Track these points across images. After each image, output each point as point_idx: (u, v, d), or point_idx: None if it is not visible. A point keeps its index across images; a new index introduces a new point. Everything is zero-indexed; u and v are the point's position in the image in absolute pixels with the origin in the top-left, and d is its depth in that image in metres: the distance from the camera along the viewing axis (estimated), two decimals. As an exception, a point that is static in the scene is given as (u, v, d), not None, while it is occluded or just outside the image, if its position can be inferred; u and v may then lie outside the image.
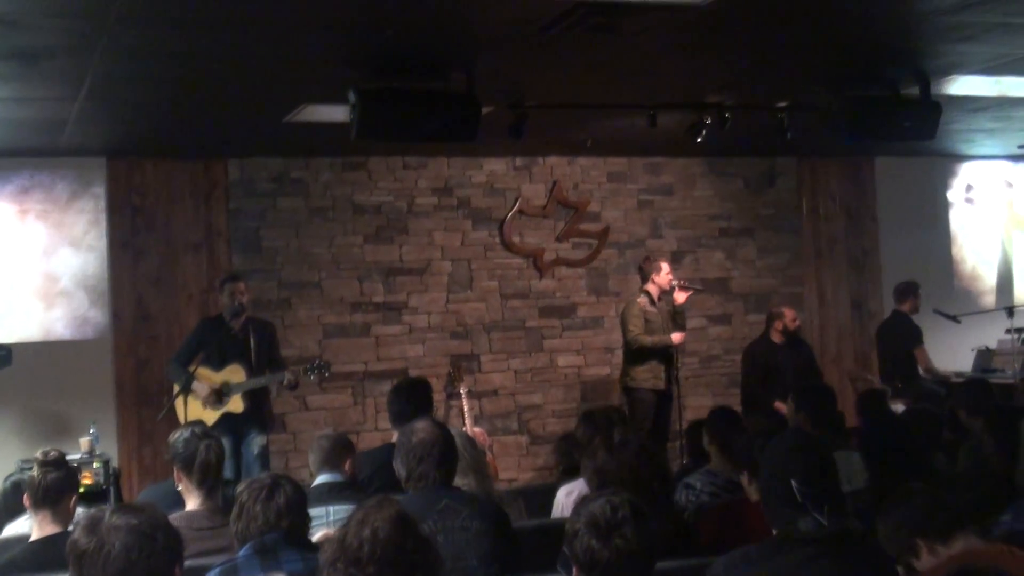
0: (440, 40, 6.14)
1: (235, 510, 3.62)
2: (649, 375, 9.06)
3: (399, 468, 4.20)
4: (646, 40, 6.17)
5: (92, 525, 2.83)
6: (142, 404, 9.04)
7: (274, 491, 3.62)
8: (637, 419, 8.75)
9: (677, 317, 9.16)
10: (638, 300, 9.19)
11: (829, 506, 3.13)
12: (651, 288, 9.19)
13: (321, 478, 5.07)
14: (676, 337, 9.05)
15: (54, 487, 4.33)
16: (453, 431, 4.41)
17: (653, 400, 9.09)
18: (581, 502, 3.11)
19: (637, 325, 9.04)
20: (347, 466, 5.14)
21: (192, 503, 4.41)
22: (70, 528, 4.23)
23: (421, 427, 4.21)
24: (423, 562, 2.84)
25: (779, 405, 8.88)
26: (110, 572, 2.77)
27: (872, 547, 3.24)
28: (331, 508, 4.73)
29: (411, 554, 2.82)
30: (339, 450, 5.13)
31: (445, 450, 4.16)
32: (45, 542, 4.26)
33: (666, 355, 9.12)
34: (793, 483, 3.15)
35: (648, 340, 8.99)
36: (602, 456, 4.21)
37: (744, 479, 4.54)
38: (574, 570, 3.02)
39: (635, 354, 9.12)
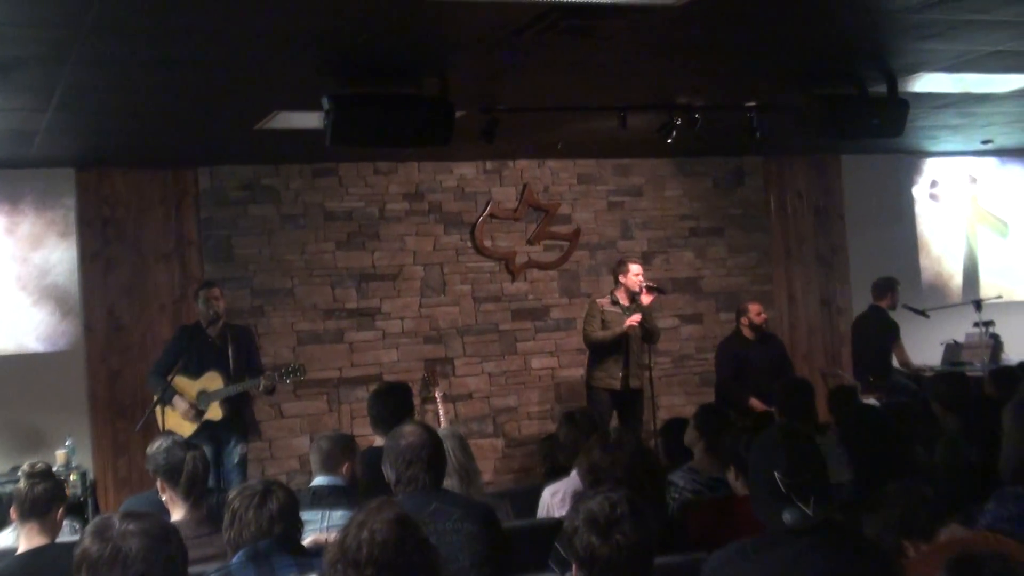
0: (413, 45, 6.13)
1: (227, 517, 3.62)
2: (604, 375, 9.04)
3: (388, 472, 4.20)
4: (619, 42, 6.19)
5: (101, 532, 2.84)
6: (116, 415, 8.99)
7: (266, 497, 3.62)
8: None
9: (645, 320, 9.06)
10: (599, 300, 9.22)
11: (815, 497, 3.15)
12: (619, 290, 9.19)
13: (318, 480, 5.05)
14: (628, 322, 8.89)
15: (42, 499, 4.31)
16: (446, 433, 4.42)
17: (609, 400, 9.05)
18: (578, 500, 3.13)
19: (590, 324, 9.08)
20: (346, 469, 5.12)
21: (178, 513, 4.39)
22: (57, 540, 4.22)
23: (409, 430, 4.22)
24: (423, 564, 2.85)
25: (754, 402, 8.94)
26: None
27: (866, 540, 3.27)
28: (328, 513, 4.72)
29: (410, 556, 2.83)
30: (337, 452, 5.10)
31: (434, 453, 4.17)
32: (33, 554, 4.23)
33: (624, 354, 9.03)
34: (776, 475, 3.17)
35: (599, 334, 8.99)
36: (597, 454, 4.23)
37: (731, 475, 4.58)
38: (573, 568, 3.04)
39: (592, 353, 9.16)
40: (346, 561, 2.79)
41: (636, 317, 8.89)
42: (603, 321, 9.05)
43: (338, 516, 4.84)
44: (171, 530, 2.90)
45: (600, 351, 9.07)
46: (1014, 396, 4.70)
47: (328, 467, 5.11)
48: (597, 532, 2.98)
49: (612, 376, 9.03)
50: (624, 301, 9.14)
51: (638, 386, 9.12)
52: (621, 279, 9.17)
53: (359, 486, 5.33)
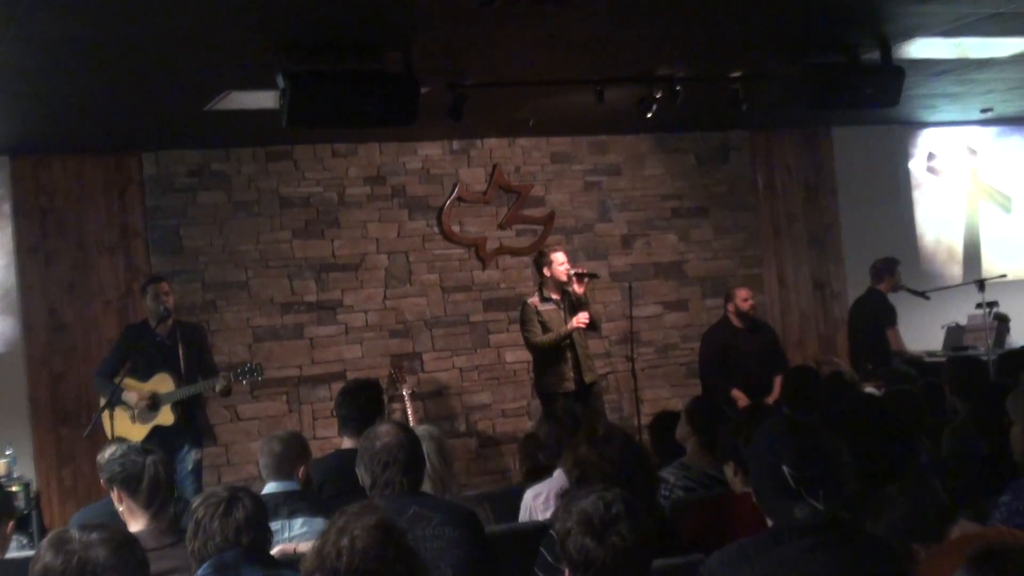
0: (375, 17, 6.15)
1: (191, 527, 3.63)
2: (556, 379, 8.88)
3: (363, 475, 4.22)
4: (595, 10, 6.23)
5: (60, 544, 2.87)
6: (60, 421, 8.97)
7: (232, 506, 3.63)
8: None
9: (580, 310, 8.88)
10: (530, 301, 9.06)
11: (824, 491, 3.19)
12: (548, 285, 9.05)
13: (272, 487, 5.01)
14: (574, 323, 8.79)
15: None
16: (423, 433, 4.45)
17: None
18: (570, 500, 3.16)
19: (530, 329, 8.93)
20: (301, 472, 5.11)
21: (137, 524, 4.36)
22: (7, 556, 4.21)
23: (385, 430, 4.24)
24: (406, 572, 2.87)
25: (736, 393, 8.99)
26: None
27: (875, 537, 3.31)
28: (287, 523, 4.72)
29: (393, 564, 2.84)
30: (293, 454, 5.08)
31: (411, 455, 4.19)
32: (-16, 570, 4.21)
33: (572, 351, 8.92)
34: (785, 469, 3.20)
35: (543, 338, 8.85)
36: (584, 449, 4.26)
37: (729, 470, 4.62)
38: (566, 573, 3.07)
39: (538, 359, 9.04)
40: (324, 570, 2.82)
41: (583, 316, 8.78)
42: (541, 323, 8.92)
43: (299, 525, 4.84)
44: (132, 538, 2.93)
45: (547, 355, 8.92)
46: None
47: (282, 471, 5.06)
48: (592, 533, 3.00)
49: (565, 379, 8.87)
50: (555, 295, 9.00)
51: (593, 379, 9.03)
52: (546, 272, 9.00)
53: (323, 493, 5.34)
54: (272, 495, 4.92)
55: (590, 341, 9.28)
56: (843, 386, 7.48)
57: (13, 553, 4.62)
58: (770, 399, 8.86)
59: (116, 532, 2.97)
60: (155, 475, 4.44)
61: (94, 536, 2.88)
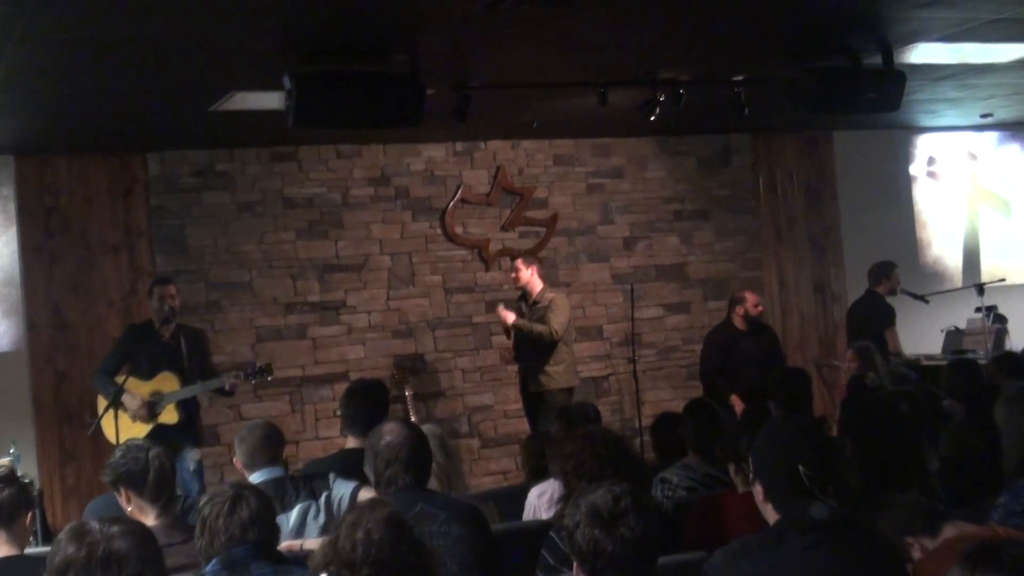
0: (381, 19, 6.17)
1: (198, 526, 3.65)
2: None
3: (369, 473, 4.26)
4: (598, 13, 6.25)
5: (80, 536, 2.90)
6: (63, 420, 8.99)
7: (237, 503, 3.64)
8: None
9: (534, 316, 9.09)
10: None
11: (834, 490, 3.24)
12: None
13: (259, 476, 4.98)
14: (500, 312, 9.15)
15: (9, 505, 4.21)
16: (428, 432, 4.47)
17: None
18: (576, 496, 3.19)
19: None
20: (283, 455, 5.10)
21: (147, 521, 4.37)
22: (27, 550, 4.22)
23: (389, 429, 4.27)
24: (419, 564, 2.93)
25: (735, 399, 8.99)
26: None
27: (873, 533, 3.35)
28: (285, 515, 4.72)
29: (406, 556, 2.91)
30: (276, 440, 5.07)
31: (414, 453, 4.21)
32: (3, 564, 4.20)
33: (522, 361, 9.20)
34: (801, 469, 3.25)
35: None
36: (570, 447, 4.30)
37: (731, 470, 4.65)
38: (575, 566, 3.11)
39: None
40: (340, 562, 2.86)
41: (507, 315, 9.04)
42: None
43: (295, 516, 4.84)
44: (149, 531, 2.98)
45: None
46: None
47: (268, 457, 5.03)
48: (601, 526, 3.04)
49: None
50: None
51: (537, 390, 9.12)
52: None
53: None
54: (265, 484, 4.85)
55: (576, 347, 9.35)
56: (862, 388, 7.52)
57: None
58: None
59: (135, 524, 3.02)
60: (160, 468, 4.46)
61: (115, 528, 2.92)
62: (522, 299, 9.26)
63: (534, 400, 9.17)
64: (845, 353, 8.54)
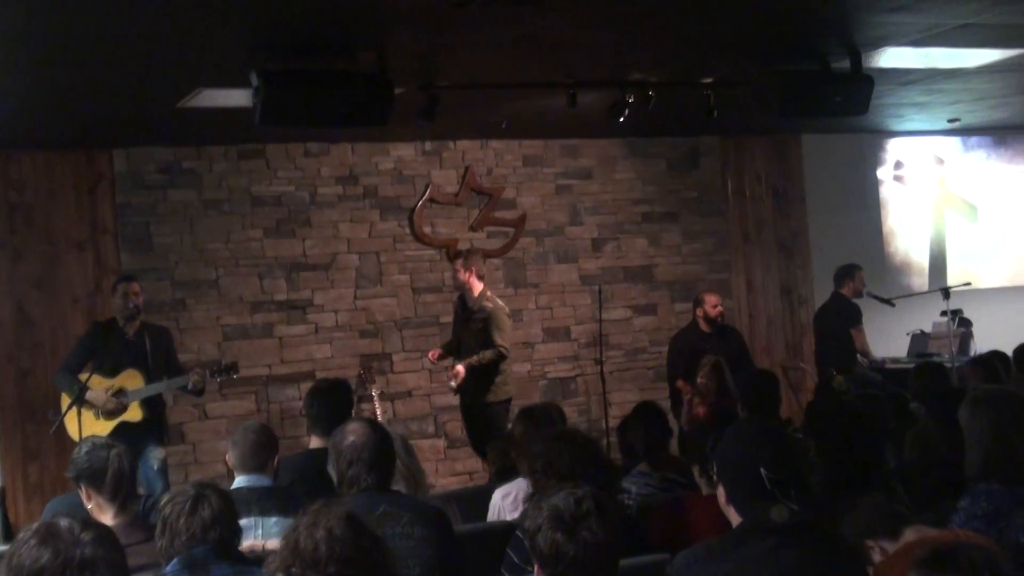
0: (349, 17, 6.16)
1: (159, 525, 3.63)
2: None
3: (332, 472, 4.24)
4: (568, 14, 6.26)
5: (48, 538, 2.88)
6: (26, 418, 8.91)
7: (198, 503, 3.62)
8: None
9: (470, 325, 8.91)
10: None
11: (795, 493, 3.24)
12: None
13: (244, 480, 4.93)
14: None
15: None
16: (392, 433, 4.45)
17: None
18: (538, 498, 3.18)
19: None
20: (275, 463, 5.05)
21: (105, 520, 4.36)
22: None
23: (352, 429, 4.26)
24: (381, 560, 2.93)
25: (681, 383, 8.98)
26: None
27: (834, 536, 3.36)
28: (260, 520, 4.69)
29: (369, 551, 2.90)
30: (268, 448, 5.02)
31: (378, 453, 4.20)
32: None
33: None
34: (763, 471, 3.25)
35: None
36: (539, 447, 4.29)
37: (696, 471, 4.66)
38: (535, 569, 3.10)
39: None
40: (303, 563, 2.85)
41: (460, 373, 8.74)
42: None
43: (272, 523, 4.80)
44: (112, 532, 2.95)
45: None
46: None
47: (255, 464, 4.94)
48: (563, 529, 3.03)
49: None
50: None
51: (470, 403, 8.98)
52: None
53: (295, 490, 5.31)
54: (243, 490, 4.83)
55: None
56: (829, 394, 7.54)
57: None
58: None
59: (101, 526, 3.00)
60: (119, 468, 4.46)
61: (84, 532, 2.91)
62: (460, 300, 9.10)
63: (472, 412, 9.01)
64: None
